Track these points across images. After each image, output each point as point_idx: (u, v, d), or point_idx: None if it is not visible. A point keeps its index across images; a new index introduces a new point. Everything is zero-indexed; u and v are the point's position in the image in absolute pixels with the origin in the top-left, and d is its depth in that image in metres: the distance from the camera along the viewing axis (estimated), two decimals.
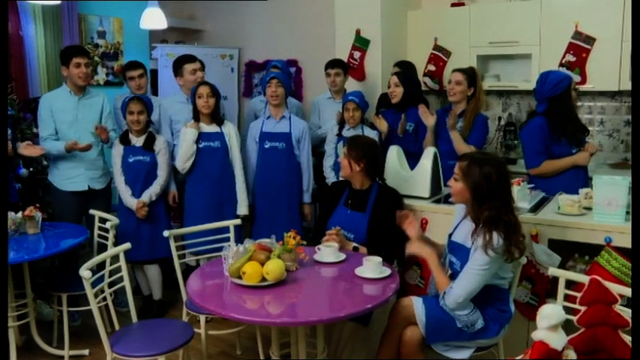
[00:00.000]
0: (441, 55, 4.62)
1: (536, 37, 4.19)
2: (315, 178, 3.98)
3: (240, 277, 2.28)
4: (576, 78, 3.89)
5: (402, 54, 4.70)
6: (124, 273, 2.70)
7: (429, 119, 3.57)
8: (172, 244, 2.96)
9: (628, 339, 1.98)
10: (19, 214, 3.22)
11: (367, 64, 4.63)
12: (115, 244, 3.16)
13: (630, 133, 4.06)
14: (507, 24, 4.28)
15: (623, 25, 3.83)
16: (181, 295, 3.01)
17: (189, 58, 4.04)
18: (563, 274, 2.31)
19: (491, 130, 4.31)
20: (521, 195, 2.83)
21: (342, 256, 2.61)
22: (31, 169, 3.97)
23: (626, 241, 2.42)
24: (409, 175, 3.20)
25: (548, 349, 1.66)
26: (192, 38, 6.16)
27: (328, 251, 2.60)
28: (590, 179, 3.00)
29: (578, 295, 2.11)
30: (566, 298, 2.27)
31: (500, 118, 4.71)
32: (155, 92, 4.97)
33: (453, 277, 2.38)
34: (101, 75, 5.35)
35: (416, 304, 2.38)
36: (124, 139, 3.67)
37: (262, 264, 2.28)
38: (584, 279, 2.15)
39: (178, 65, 4.04)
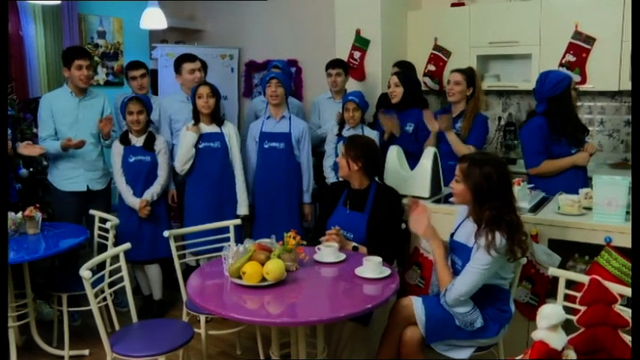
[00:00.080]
0: (440, 55, 4.62)
1: (536, 37, 4.18)
2: (315, 178, 3.98)
3: (240, 277, 2.28)
4: (576, 78, 3.89)
5: (402, 54, 4.70)
6: (124, 273, 2.70)
7: (434, 125, 3.54)
8: (172, 244, 2.96)
9: (628, 339, 1.98)
10: (19, 215, 3.22)
11: (367, 64, 4.63)
12: (115, 244, 3.15)
13: (630, 133, 4.06)
14: (507, 24, 4.28)
15: (623, 25, 3.83)
16: (181, 295, 3.01)
17: (190, 58, 4.05)
18: (563, 274, 2.31)
19: (491, 130, 4.31)
20: (522, 195, 2.83)
21: (342, 256, 2.61)
22: (31, 169, 3.97)
23: (626, 241, 2.42)
24: (409, 175, 3.20)
25: (548, 349, 1.66)
26: (192, 38, 6.15)
27: (328, 251, 2.60)
28: (589, 179, 3.00)
29: (578, 295, 2.11)
30: (566, 298, 2.27)
31: (500, 118, 4.71)
32: (155, 92, 4.96)
33: (455, 276, 2.38)
34: (101, 75, 5.35)
35: (416, 304, 2.38)
36: (124, 139, 3.67)
37: (262, 264, 2.28)
38: (584, 279, 2.15)
39: (178, 64, 4.05)
